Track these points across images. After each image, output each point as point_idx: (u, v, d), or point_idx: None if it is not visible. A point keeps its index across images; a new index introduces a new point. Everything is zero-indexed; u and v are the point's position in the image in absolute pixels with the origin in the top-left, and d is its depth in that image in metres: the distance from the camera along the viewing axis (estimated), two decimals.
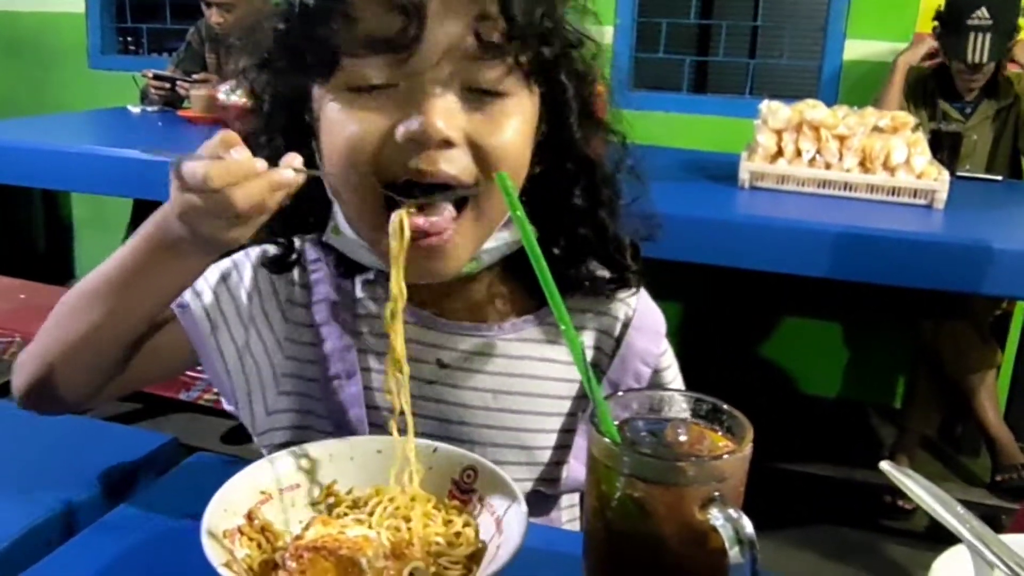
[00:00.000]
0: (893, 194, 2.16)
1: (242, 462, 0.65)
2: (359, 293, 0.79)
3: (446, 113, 0.64)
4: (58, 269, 4.16)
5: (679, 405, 0.57)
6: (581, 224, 0.75)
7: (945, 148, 2.53)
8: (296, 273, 0.79)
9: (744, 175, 2.22)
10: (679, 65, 3.52)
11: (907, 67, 2.73)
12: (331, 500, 0.65)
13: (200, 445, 0.95)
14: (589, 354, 0.81)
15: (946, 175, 2.16)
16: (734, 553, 0.48)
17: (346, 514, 0.63)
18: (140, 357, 0.75)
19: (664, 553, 0.51)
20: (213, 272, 0.78)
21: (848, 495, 2.60)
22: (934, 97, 2.77)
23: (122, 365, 0.74)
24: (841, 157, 2.18)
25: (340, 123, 0.67)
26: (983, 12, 2.49)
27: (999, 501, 2.48)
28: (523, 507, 0.60)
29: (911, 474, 0.66)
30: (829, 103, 2.84)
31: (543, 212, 0.72)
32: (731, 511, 0.48)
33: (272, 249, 0.76)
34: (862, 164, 2.18)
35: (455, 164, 0.65)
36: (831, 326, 3.40)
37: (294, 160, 0.63)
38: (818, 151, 2.19)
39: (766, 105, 2.27)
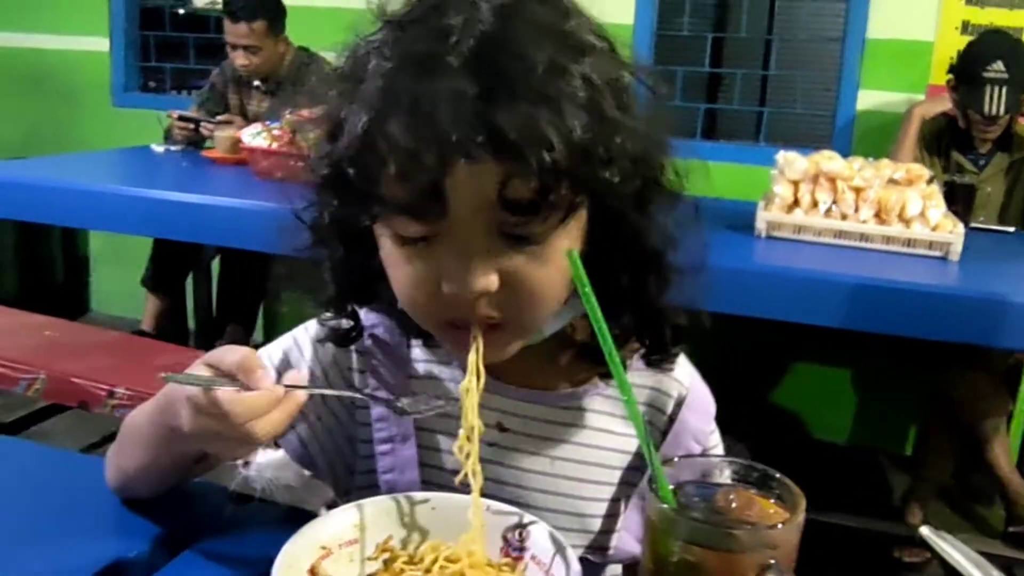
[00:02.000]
0: (908, 246, 2.19)
1: (295, 512, 0.68)
2: (415, 354, 0.82)
3: (482, 267, 0.65)
4: (75, 302, 4.21)
5: (730, 472, 0.60)
6: (627, 305, 0.74)
7: (959, 200, 2.56)
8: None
9: (761, 224, 2.25)
10: (692, 112, 3.57)
11: (921, 119, 2.77)
12: (387, 555, 0.67)
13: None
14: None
15: (961, 227, 2.20)
16: None
17: (403, 570, 0.65)
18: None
19: None
20: (276, 352, 0.82)
21: (860, 543, 2.61)
22: (948, 149, 2.81)
23: (192, 469, 0.81)
24: (857, 208, 2.22)
25: (393, 267, 0.70)
26: (999, 65, 2.55)
27: (1014, 552, 2.48)
28: (575, 566, 0.62)
29: (948, 538, 0.68)
30: (842, 152, 2.89)
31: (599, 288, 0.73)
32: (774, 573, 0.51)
33: (333, 323, 0.79)
34: (878, 216, 2.22)
35: (492, 310, 0.67)
36: (843, 372, 3.41)
37: (297, 377, 0.68)
38: (834, 202, 2.23)
39: (783, 156, 2.31)
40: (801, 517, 0.54)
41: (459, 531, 0.67)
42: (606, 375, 0.58)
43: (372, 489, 0.80)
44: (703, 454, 0.82)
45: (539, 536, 0.66)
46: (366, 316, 0.80)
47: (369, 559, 0.67)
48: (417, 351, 0.82)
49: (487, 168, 0.61)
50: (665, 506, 0.54)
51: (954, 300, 1.96)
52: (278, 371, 0.80)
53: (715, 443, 0.86)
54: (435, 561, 0.65)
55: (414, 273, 0.67)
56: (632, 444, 0.82)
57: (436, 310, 0.68)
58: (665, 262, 0.73)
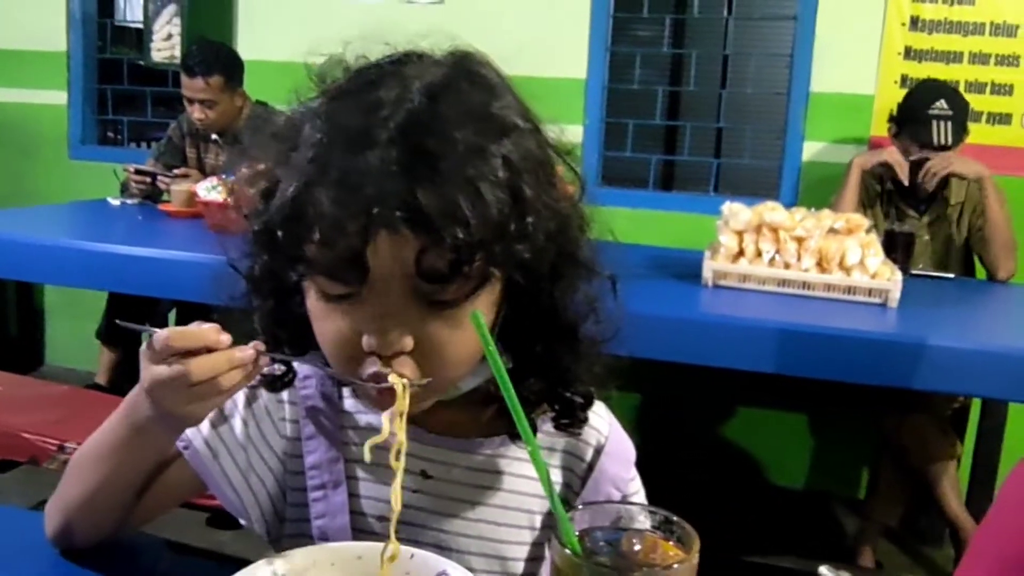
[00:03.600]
0: (849, 293, 2.26)
1: (230, 564, 0.70)
2: (347, 405, 0.85)
3: (399, 328, 0.69)
4: (29, 355, 4.17)
5: (634, 517, 0.63)
6: (539, 372, 0.78)
7: (899, 248, 2.65)
8: (286, 391, 0.85)
9: (707, 274, 2.31)
10: (647, 163, 3.66)
11: (861, 170, 2.87)
12: None
13: (183, 537, 0.98)
14: (561, 474, 0.87)
15: (899, 275, 2.27)
16: None
17: None
18: (151, 494, 0.83)
19: None
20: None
21: None
22: (889, 198, 2.90)
23: (134, 506, 0.83)
24: (799, 257, 2.28)
25: (318, 320, 0.73)
26: (943, 103, 2.72)
27: None
28: None
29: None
30: (789, 202, 2.98)
31: (513, 350, 0.76)
32: None
33: (266, 370, 0.82)
34: (819, 264, 2.29)
35: (408, 368, 0.70)
36: (797, 418, 3.47)
37: (260, 345, 0.71)
38: (777, 251, 2.30)
39: (727, 207, 2.38)
40: (695, 558, 0.58)
41: None
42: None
43: (302, 537, 0.82)
44: (623, 500, 0.85)
45: None
46: (300, 369, 0.83)
47: None
48: (349, 402, 0.85)
49: (406, 239, 0.65)
50: (568, 551, 0.57)
51: (893, 346, 2.02)
52: (212, 424, 0.83)
53: (635, 489, 0.89)
54: None
55: (337, 328, 0.71)
56: (556, 489, 0.85)
57: (357, 364, 0.71)
58: (577, 333, 0.77)
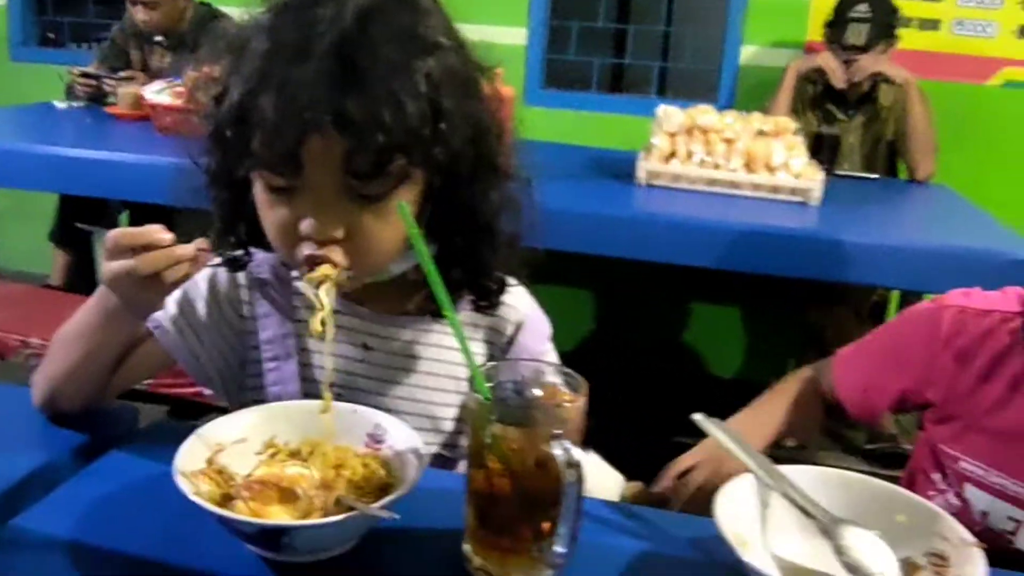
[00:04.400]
0: (774, 192, 2.40)
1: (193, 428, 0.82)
2: (298, 285, 0.97)
3: (331, 218, 0.81)
4: None
5: (537, 372, 0.76)
6: (460, 263, 0.90)
7: (825, 150, 2.79)
8: (243, 276, 0.97)
9: (641, 174, 2.43)
10: (594, 66, 3.73)
11: (796, 74, 2.98)
12: (272, 451, 0.82)
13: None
14: (484, 347, 1.01)
15: (820, 175, 2.41)
16: (568, 474, 0.67)
17: (285, 461, 0.80)
18: (127, 368, 0.95)
19: (522, 479, 0.70)
20: (176, 292, 0.95)
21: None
22: (821, 102, 3.03)
23: (111, 378, 0.94)
24: (728, 158, 2.41)
25: (263, 209, 0.85)
26: (864, 7, 2.86)
27: (871, 467, 2.76)
28: (421, 449, 0.78)
29: (717, 423, 0.86)
30: (727, 105, 3.08)
31: (437, 242, 0.88)
32: (566, 444, 0.67)
33: (225, 254, 0.93)
34: (747, 165, 2.41)
35: (338, 254, 0.82)
36: (732, 311, 3.66)
37: (202, 243, 0.82)
38: (708, 153, 2.42)
39: (661, 110, 2.49)
40: (583, 400, 0.71)
41: (333, 432, 0.82)
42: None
43: (259, 401, 0.95)
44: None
45: (396, 432, 0.82)
46: (256, 255, 0.95)
47: (257, 454, 0.82)
48: (299, 283, 0.97)
49: (335, 141, 0.77)
50: (479, 396, 0.70)
51: (814, 241, 2.17)
52: (179, 307, 0.94)
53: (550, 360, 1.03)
54: (311, 453, 0.80)
55: (278, 216, 0.83)
56: (478, 358, 0.98)
57: (296, 248, 0.83)
58: (494, 229, 0.90)
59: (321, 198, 0.80)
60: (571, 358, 0.89)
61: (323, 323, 0.80)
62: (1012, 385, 1.08)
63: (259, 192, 0.84)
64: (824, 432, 3.09)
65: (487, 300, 0.95)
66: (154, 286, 0.80)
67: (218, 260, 0.92)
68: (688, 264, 2.19)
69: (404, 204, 0.77)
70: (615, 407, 1.88)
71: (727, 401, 1.24)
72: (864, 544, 0.76)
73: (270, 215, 0.84)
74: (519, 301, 1.02)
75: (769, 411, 1.26)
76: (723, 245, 2.15)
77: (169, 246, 0.80)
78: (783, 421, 1.25)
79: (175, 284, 0.81)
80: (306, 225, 0.81)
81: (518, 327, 1.01)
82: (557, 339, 1.06)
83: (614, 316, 3.60)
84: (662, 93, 3.67)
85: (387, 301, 0.96)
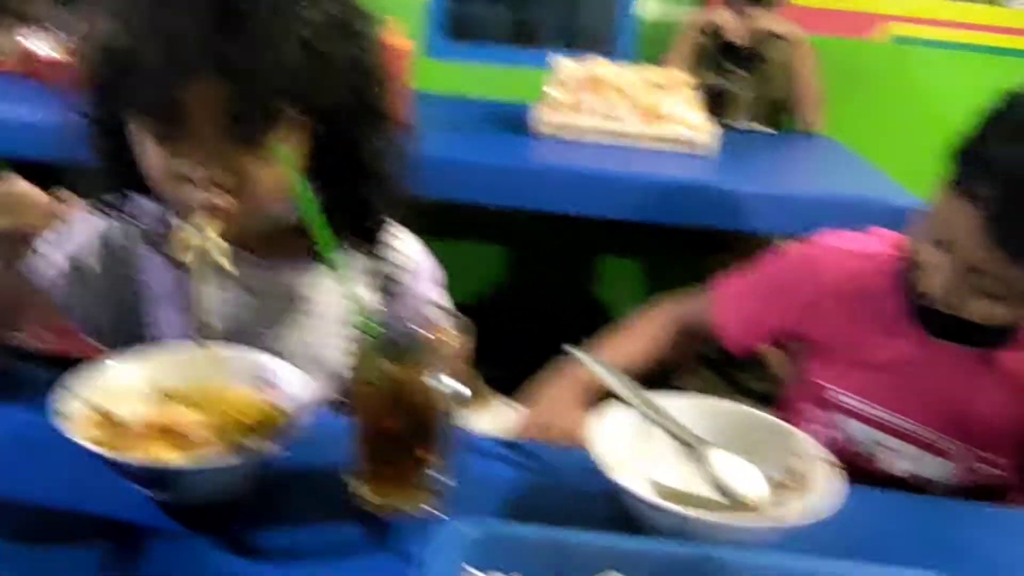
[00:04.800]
0: (669, 144, 2.46)
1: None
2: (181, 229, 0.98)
3: (213, 162, 0.82)
4: None
5: (422, 312, 0.79)
6: (345, 204, 0.92)
7: (721, 103, 2.87)
8: (130, 227, 0.98)
9: (537, 125, 2.46)
10: (499, 18, 3.72)
11: (693, 28, 3.04)
12: (160, 395, 0.83)
13: None
14: (373, 293, 1.02)
15: (715, 127, 2.48)
16: (447, 407, 0.70)
17: (176, 406, 0.81)
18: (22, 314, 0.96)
19: (404, 413, 0.73)
20: (56, 239, 0.96)
21: None
22: (716, 57, 3.09)
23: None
24: (624, 111, 2.45)
25: (145, 158, 0.86)
26: None
27: (756, 405, 2.88)
28: (312, 392, 0.80)
29: (590, 354, 0.91)
30: (627, 58, 3.12)
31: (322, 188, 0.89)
32: (447, 379, 0.71)
33: (105, 199, 0.93)
34: (642, 117, 2.46)
35: (222, 199, 0.84)
36: (633, 263, 3.75)
37: (63, 193, 0.84)
38: (603, 105, 2.46)
39: (558, 62, 2.51)
40: (466, 338, 0.74)
41: (222, 375, 0.84)
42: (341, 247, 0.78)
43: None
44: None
45: (286, 375, 0.84)
46: (140, 203, 0.95)
47: (144, 398, 0.82)
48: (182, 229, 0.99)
49: (217, 88, 0.78)
50: (364, 333, 0.73)
51: (707, 191, 2.24)
52: (70, 258, 0.96)
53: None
54: (201, 397, 0.81)
55: (161, 162, 0.84)
56: (367, 302, 1.01)
57: (178, 193, 0.83)
58: (379, 176, 0.93)
59: (203, 143, 0.81)
60: (474, 311, 0.92)
61: (208, 265, 0.82)
62: (886, 322, 1.16)
63: (140, 139, 0.85)
64: (717, 374, 3.22)
65: (372, 244, 0.98)
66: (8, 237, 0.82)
67: (98, 208, 0.92)
68: (585, 214, 2.23)
69: (284, 148, 0.79)
70: (518, 359, 1.92)
71: None
72: (734, 467, 0.82)
73: (153, 161, 0.85)
74: (408, 248, 1.04)
75: (636, 339, 1.32)
76: (620, 196, 2.20)
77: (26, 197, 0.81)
78: (652, 349, 1.30)
79: (33, 227, 0.82)
80: (188, 170, 0.82)
81: (407, 272, 1.04)
82: (461, 292, 1.09)
83: (518, 270, 3.64)
84: (568, 46, 3.68)
85: (274, 246, 0.98)
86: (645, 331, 1.32)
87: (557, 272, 3.73)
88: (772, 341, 1.30)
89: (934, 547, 0.87)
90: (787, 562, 0.68)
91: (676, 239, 3.10)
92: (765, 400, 2.91)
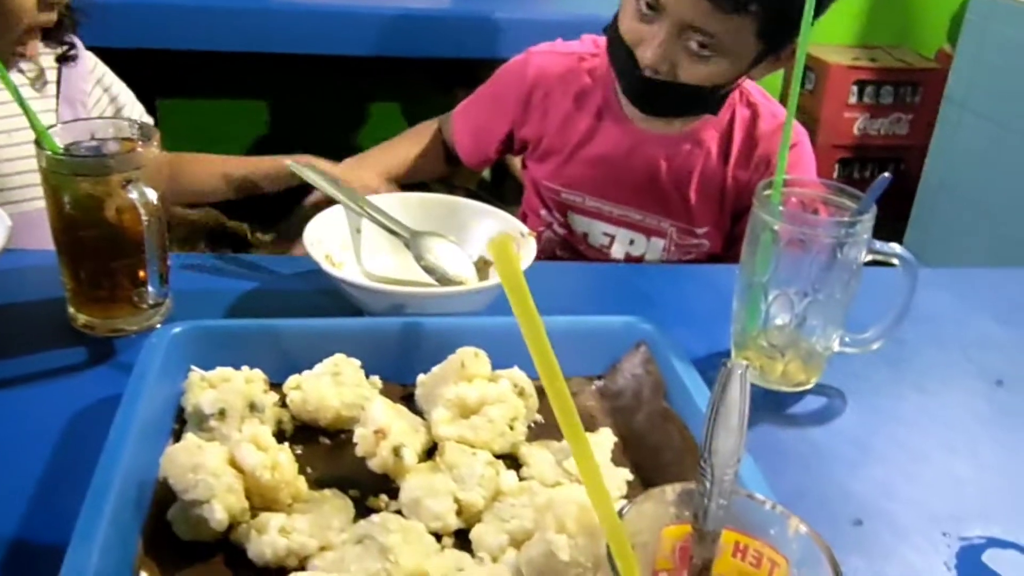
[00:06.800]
0: None
1: None
2: None
3: None
4: None
5: (109, 124, 0.78)
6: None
7: None
8: None
9: None
10: None
11: None
12: None
13: None
14: (66, 105, 1.03)
15: None
16: (147, 216, 0.70)
17: None
18: None
19: (105, 228, 0.73)
20: None
21: None
22: None
23: None
24: None
25: None
26: None
27: None
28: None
29: (311, 167, 0.93)
30: None
31: None
32: (143, 188, 0.71)
33: None
34: None
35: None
36: (393, 107, 3.73)
37: None
38: None
39: None
40: (154, 147, 0.74)
41: None
42: None
43: None
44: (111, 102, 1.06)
45: None
46: None
47: None
48: None
49: None
50: (49, 152, 0.71)
51: (450, 19, 2.30)
52: None
53: (117, 92, 1.12)
54: None
55: None
56: (65, 112, 1.03)
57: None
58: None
59: None
60: None
61: None
62: (596, 116, 1.24)
63: None
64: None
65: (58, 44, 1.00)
66: None
67: None
68: (326, 53, 2.21)
69: None
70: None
71: None
72: (441, 250, 0.88)
73: None
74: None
75: (397, 151, 1.38)
76: (362, 31, 2.20)
77: None
78: (410, 160, 1.36)
79: None
80: None
81: (95, 79, 1.06)
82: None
83: (283, 124, 3.54)
84: None
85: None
86: (414, 140, 1.38)
87: (321, 123, 3.65)
88: (502, 151, 1.37)
89: (633, 300, 0.98)
90: (486, 323, 0.75)
91: (429, 75, 3.11)
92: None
